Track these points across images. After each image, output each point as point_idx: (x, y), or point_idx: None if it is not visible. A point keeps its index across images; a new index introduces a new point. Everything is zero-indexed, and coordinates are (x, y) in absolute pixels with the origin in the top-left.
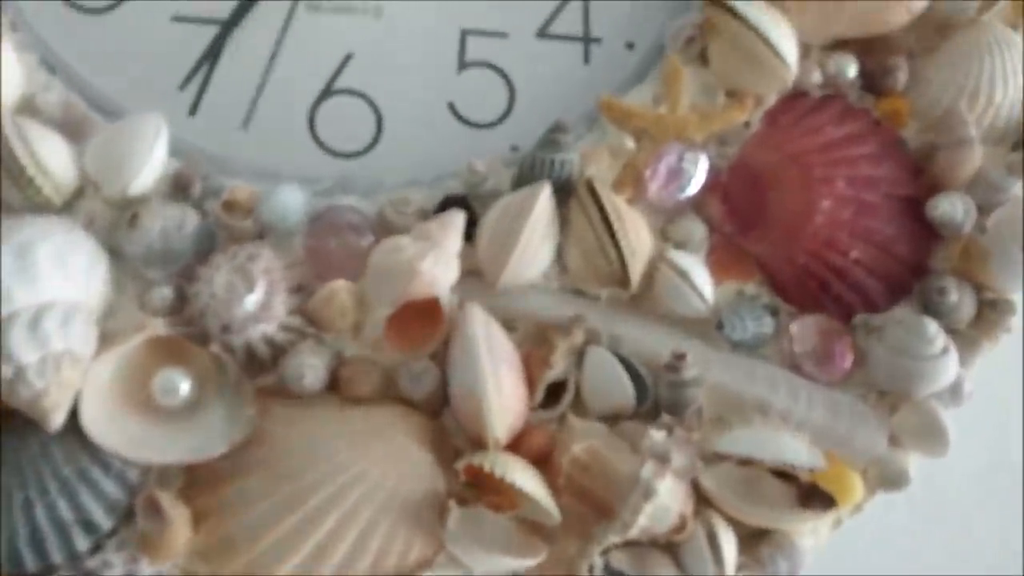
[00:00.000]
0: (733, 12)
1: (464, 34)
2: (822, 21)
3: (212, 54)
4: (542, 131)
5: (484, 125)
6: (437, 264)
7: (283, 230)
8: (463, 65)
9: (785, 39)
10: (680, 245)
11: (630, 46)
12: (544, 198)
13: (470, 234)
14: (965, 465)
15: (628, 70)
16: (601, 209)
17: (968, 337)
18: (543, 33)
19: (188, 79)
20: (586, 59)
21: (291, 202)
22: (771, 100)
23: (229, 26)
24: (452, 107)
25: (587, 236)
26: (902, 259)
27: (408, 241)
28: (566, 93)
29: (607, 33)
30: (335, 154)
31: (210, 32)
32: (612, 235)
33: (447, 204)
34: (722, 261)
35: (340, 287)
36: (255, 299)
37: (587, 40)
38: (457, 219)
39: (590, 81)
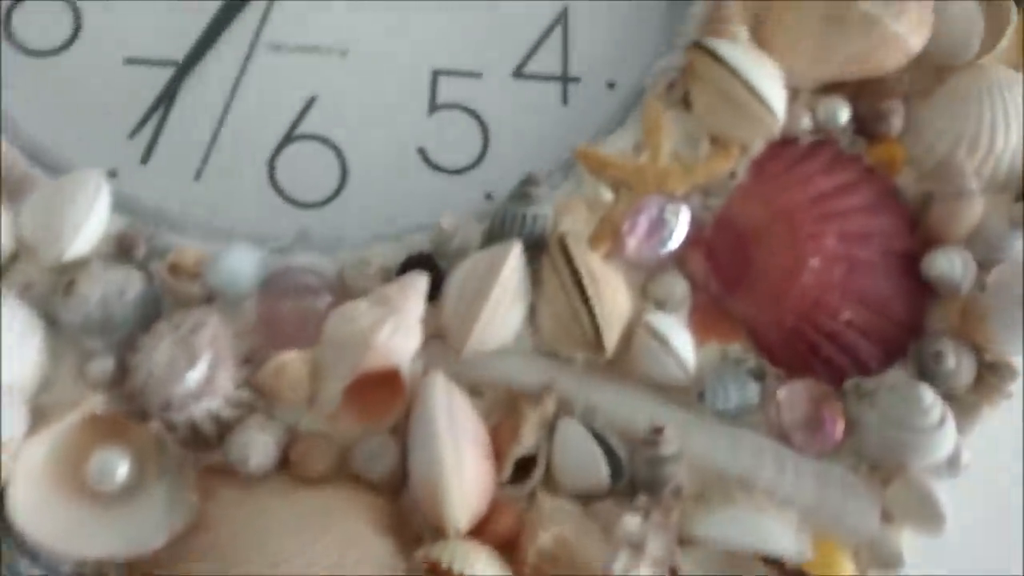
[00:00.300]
0: (715, 56)
1: (436, 74)
2: (812, 64)
3: (166, 98)
4: (518, 177)
5: (456, 171)
6: (395, 334)
7: (233, 295)
8: (434, 107)
9: (772, 85)
10: (661, 304)
11: (611, 86)
12: (513, 259)
13: (437, 293)
14: (963, 540)
15: (609, 111)
16: (574, 272)
17: (966, 403)
18: (519, 72)
19: (140, 126)
20: (564, 99)
21: (241, 266)
22: (758, 148)
23: (185, 68)
24: (422, 152)
25: (559, 300)
26: (897, 319)
27: (365, 308)
28: (543, 136)
29: (586, 72)
30: (296, 204)
31: (164, 75)
32: (585, 300)
33: (411, 264)
34: (705, 321)
35: (291, 359)
36: (197, 375)
37: (565, 80)
38: (419, 283)
39: (568, 123)
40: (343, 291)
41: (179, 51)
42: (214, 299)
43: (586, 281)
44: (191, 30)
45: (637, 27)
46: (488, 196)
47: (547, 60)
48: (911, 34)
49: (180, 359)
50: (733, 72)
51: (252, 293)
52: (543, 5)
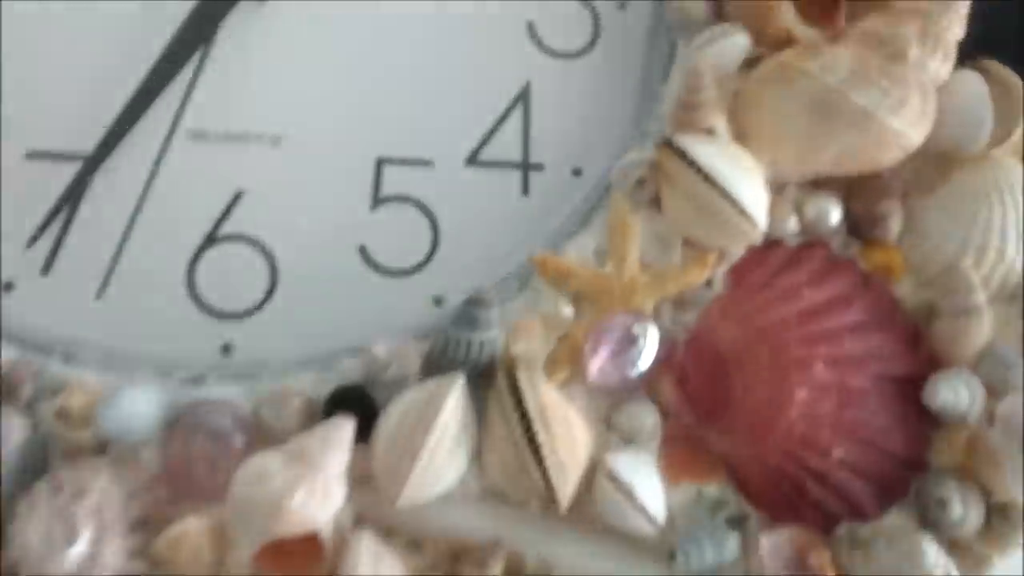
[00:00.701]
0: (687, 159)
1: (380, 163)
2: (800, 159)
3: (72, 197)
4: (470, 278)
5: (402, 272)
6: (312, 497)
7: (129, 443)
8: (378, 200)
9: (752, 190)
10: (628, 437)
11: (577, 173)
12: (453, 400)
13: (369, 432)
14: None
15: (574, 202)
16: (523, 415)
17: (974, 553)
18: (474, 159)
19: (41, 230)
20: (525, 189)
21: (137, 409)
22: (737, 254)
23: (94, 162)
24: (363, 251)
25: (506, 449)
26: (895, 455)
27: (279, 465)
28: (500, 230)
29: (550, 158)
30: (217, 315)
31: (70, 170)
32: (535, 450)
33: (339, 400)
34: (678, 457)
35: (191, 527)
36: (79, 551)
37: (526, 167)
38: (343, 434)
39: (529, 215)
40: (259, 432)
41: (87, 143)
42: (108, 448)
43: (536, 427)
44: (102, 118)
45: (606, 109)
46: (437, 301)
47: (506, 144)
48: (911, 128)
49: (58, 533)
50: (707, 178)
51: (152, 438)
52: (501, 83)
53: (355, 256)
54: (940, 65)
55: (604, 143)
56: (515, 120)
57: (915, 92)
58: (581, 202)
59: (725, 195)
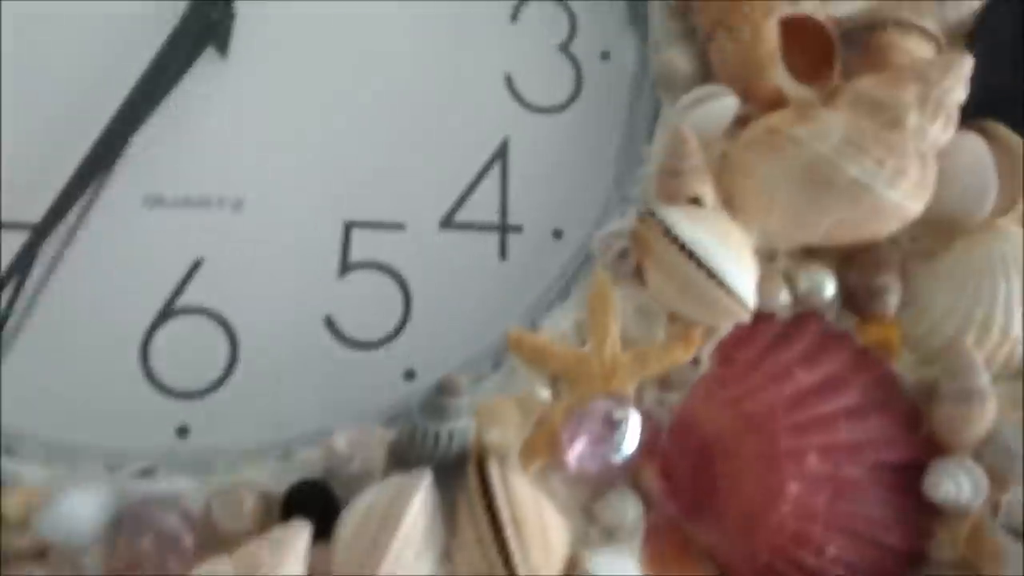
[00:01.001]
0: (670, 235)
1: (349, 227)
2: (791, 229)
3: (19, 269)
4: (444, 349)
5: (370, 344)
6: None
7: (69, 548)
8: (346, 267)
9: (740, 268)
10: (609, 532)
11: (557, 235)
12: (419, 502)
13: (329, 528)
14: None
15: (555, 267)
16: (493, 518)
17: None
18: (449, 222)
19: None
20: (503, 252)
21: (78, 513)
22: (726, 328)
23: (43, 231)
24: (330, 322)
25: (475, 552)
26: (893, 549)
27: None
28: (476, 298)
29: (529, 219)
30: (173, 394)
31: (16, 240)
32: (506, 558)
33: (297, 497)
34: (662, 552)
35: None
36: None
37: (504, 228)
38: (298, 541)
39: (507, 281)
40: (211, 531)
41: (34, 212)
42: (48, 553)
43: (507, 532)
44: (51, 184)
45: (588, 166)
46: (408, 375)
47: (482, 206)
48: (909, 200)
49: None
50: (692, 256)
51: (96, 541)
52: (477, 140)
53: (321, 327)
54: (941, 132)
55: (585, 203)
56: (492, 179)
57: (914, 161)
58: (562, 267)
59: (712, 275)
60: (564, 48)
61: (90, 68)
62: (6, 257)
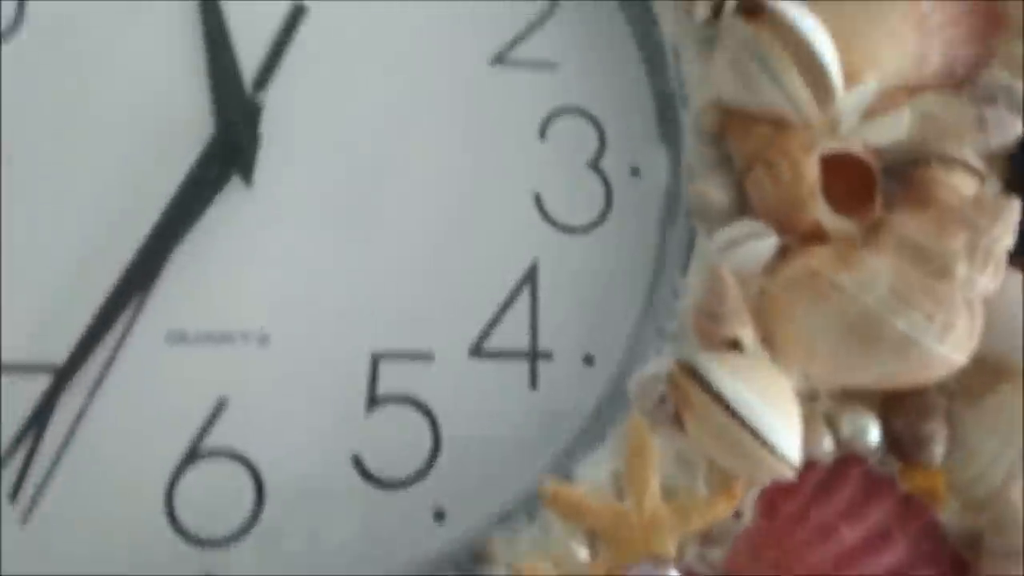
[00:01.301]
0: (709, 390)
1: (376, 359)
2: (835, 376)
3: (40, 417)
4: (475, 486)
5: (399, 483)
6: None
7: None
8: (374, 401)
9: (784, 423)
10: None
11: (588, 360)
12: None
13: None
14: None
15: (587, 398)
16: None
17: None
18: (479, 350)
19: (10, 454)
20: (533, 382)
21: None
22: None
23: (66, 374)
24: (358, 461)
25: None
26: None
27: None
28: (507, 430)
29: (559, 345)
30: (199, 543)
31: (39, 385)
32: None
33: None
34: None
35: None
36: None
37: (535, 355)
38: None
39: (539, 411)
40: None
41: (57, 353)
42: None
43: None
44: (74, 325)
45: (619, 288)
46: (438, 515)
47: (512, 331)
48: (957, 352)
49: None
50: (733, 413)
51: None
52: (506, 263)
53: (349, 467)
54: (990, 281)
55: (617, 327)
56: (522, 303)
57: (962, 313)
58: (596, 400)
59: (755, 433)
60: (594, 164)
61: (110, 201)
62: (27, 402)
